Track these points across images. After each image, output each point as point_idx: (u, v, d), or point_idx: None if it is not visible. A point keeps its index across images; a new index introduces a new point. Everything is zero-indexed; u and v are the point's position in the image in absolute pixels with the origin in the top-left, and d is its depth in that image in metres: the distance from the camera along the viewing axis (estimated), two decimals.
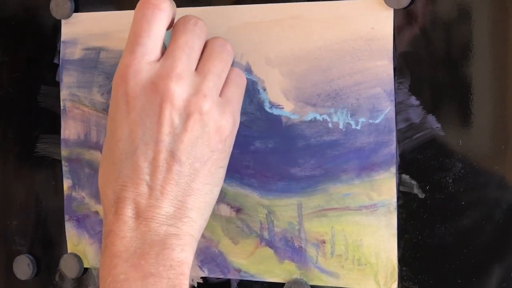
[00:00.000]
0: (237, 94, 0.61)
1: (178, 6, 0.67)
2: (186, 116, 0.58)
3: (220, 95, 0.60)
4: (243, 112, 0.65)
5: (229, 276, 0.67)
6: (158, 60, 0.59)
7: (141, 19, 0.59)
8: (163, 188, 0.57)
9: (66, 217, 0.72)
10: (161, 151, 0.57)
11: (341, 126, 0.63)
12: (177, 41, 0.59)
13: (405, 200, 0.61)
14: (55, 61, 0.71)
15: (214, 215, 0.67)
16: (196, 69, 0.60)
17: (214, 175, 0.59)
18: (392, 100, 0.61)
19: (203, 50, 0.61)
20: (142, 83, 0.58)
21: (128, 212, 0.57)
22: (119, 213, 0.57)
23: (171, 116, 0.57)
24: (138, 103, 0.58)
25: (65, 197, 0.72)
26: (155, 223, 0.57)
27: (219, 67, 0.60)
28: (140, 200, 0.57)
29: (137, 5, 0.60)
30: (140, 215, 0.57)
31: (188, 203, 0.58)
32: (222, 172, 0.60)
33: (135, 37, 0.59)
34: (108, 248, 0.57)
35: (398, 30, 0.61)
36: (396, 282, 0.62)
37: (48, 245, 0.73)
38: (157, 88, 0.57)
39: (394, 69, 0.61)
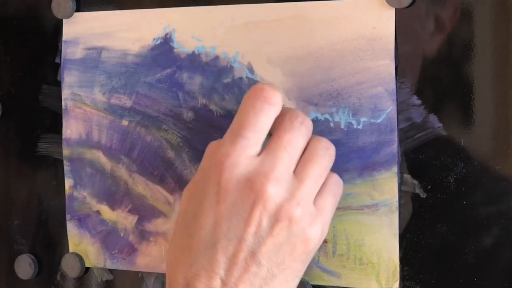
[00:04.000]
0: (331, 204, 0.59)
1: (179, 6, 0.67)
2: (275, 220, 0.56)
3: (314, 202, 0.58)
4: None
5: None
6: (258, 154, 0.57)
7: (249, 109, 0.57)
8: (236, 286, 0.55)
9: (68, 216, 0.72)
10: (242, 250, 0.55)
11: (342, 126, 0.63)
12: (281, 139, 0.57)
13: (406, 200, 0.61)
14: (57, 60, 0.71)
15: None
16: (295, 170, 0.57)
17: (289, 283, 0.57)
18: (393, 100, 0.61)
19: (305, 149, 0.58)
20: (237, 178, 0.56)
21: None
22: None
23: (260, 218, 0.56)
24: (229, 197, 0.56)
25: (66, 197, 0.72)
26: None
27: (317, 173, 0.58)
28: None
29: (248, 93, 0.58)
30: None
31: None
32: (297, 281, 0.58)
33: (239, 127, 0.57)
34: None
35: (399, 30, 0.61)
36: (398, 282, 0.62)
37: (49, 245, 0.73)
38: (252, 187, 0.56)
39: (396, 68, 0.61)
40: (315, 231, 0.57)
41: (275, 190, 0.56)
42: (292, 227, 0.56)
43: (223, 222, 0.56)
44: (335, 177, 0.60)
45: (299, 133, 0.58)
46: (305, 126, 0.58)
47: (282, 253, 0.56)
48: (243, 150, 0.57)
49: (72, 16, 0.70)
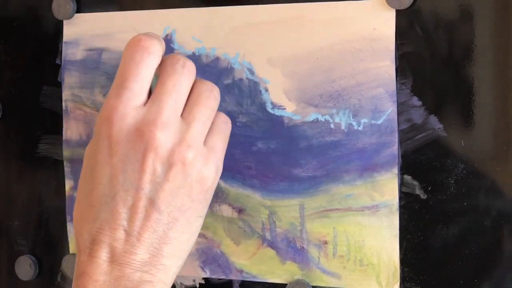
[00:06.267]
0: (221, 142, 0.60)
1: (181, 6, 0.67)
2: (169, 165, 0.57)
3: (205, 142, 0.59)
4: (246, 113, 0.65)
5: (231, 277, 0.67)
6: (145, 104, 0.58)
7: (129, 61, 0.58)
8: (140, 234, 0.56)
9: (68, 217, 0.72)
10: (141, 198, 0.57)
11: (343, 127, 0.63)
12: (164, 85, 0.58)
13: (407, 201, 0.61)
14: (57, 61, 0.71)
15: (216, 215, 0.67)
16: (182, 113, 0.59)
17: (192, 224, 0.59)
18: (394, 101, 0.61)
19: (190, 92, 0.60)
20: (126, 129, 0.57)
21: (103, 255, 0.56)
22: (93, 255, 0.56)
23: (153, 165, 0.57)
24: (121, 149, 0.57)
25: (67, 198, 0.72)
26: (130, 268, 0.56)
27: (204, 114, 0.59)
28: (116, 244, 0.56)
29: (126, 45, 0.59)
30: (114, 260, 0.56)
31: (164, 251, 0.57)
32: (200, 221, 0.60)
33: (122, 80, 0.58)
34: None
35: (400, 31, 0.61)
36: (398, 283, 0.62)
37: (50, 246, 0.73)
38: (141, 136, 0.57)
39: (396, 69, 0.61)
40: (209, 170, 0.58)
41: (164, 136, 0.57)
42: (186, 169, 0.57)
43: (118, 174, 0.57)
44: (222, 116, 0.62)
45: (181, 76, 0.59)
46: (187, 69, 0.59)
47: (180, 197, 0.57)
48: (129, 101, 0.58)
49: (73, 17, 0.70)
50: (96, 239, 0.57)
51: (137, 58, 0.58)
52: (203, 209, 0.59)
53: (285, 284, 0.65)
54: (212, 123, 0.60)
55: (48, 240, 0.73)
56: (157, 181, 0.57)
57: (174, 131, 0.57)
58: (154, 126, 0.57)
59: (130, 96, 0.58)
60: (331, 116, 0.63)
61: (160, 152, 0.57)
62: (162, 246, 0.57)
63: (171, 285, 0.58)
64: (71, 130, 0.71)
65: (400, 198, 0.61)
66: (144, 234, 0.56)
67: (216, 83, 0.66)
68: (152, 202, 0.57)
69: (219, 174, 0.60)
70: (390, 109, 0.61)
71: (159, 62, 0.59)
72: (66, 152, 0.71)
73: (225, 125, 0.61)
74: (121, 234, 0.56)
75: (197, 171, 0.58)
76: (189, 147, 0.57)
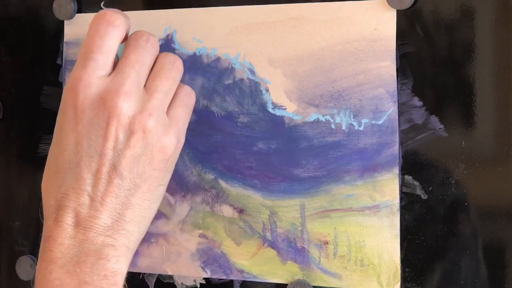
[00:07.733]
0: (183, 113, 0.62)
1: (181, 6, 0.67)
2: (130, 133, 0.59)
3: (167, 113, 0.61)
4: (246, 113, 0.65)
5: (232, 277, 0.67)
6: (109, 74, 0.60)
7: (94, 34, 0.60)
8: (103, 199, 0.58)
9: None
10: (104, 164, 0.58)
11: (344, 127, 0.63)
12: (128, 57, 0.61)
13: (408, 201, 0.61)
14: (58, 61, 0.71)
15: (217, 216, 0.67)
16: (145, 85, 0.61)
17: (153, 192, 0.60)
18: (395, 101, 0.61)
19: (153, 65, 0.62)
20: (91, 97, 0.59)
21: (68, 220, 0.58)
22: (59, 220, 0.58)
23: (116, 132, 0.58)
24: (85, 117, 0.59)
25: None
26: (93, 233, 0.58)
27: (166, 85, 0.61)
28: (81, 209, 0.58)
29: (92, 19, 0.61)
30: (79, 224, 0.58)
31: (126, 216, 0.59)
32: (162, 190, 0.61)
33: (87, 51, 0.60)
34: (45, 254, 0.58)
35: (401, 31, 0.61)
36: (399, 283, 0.62)
37: None
38: (104, 104, 0.59)
39: (397, 70, 0.61)
40: (170, 139, 0.60)
41: (126, 105, 0.59)
42: (146, 137, 0.59)
43: (83, 140, 0.59)
44: (186, 89, 0.63)
45: (144, 50, 0.61)
46: (150, 44, 0.62)
47: (142, 164, 0.59)
48: (93, 71, 0.60)
49: (74, 18, 0.70)
50: (61, 205, 0.58)
51: (102, 31, 0.60)
52: (164, 177, 0.61)
53: (286, 284, 0.65)
54: (176, 95, 0.62)
55: None
56: (119, 147, 0.59)
57: (136, 100, 0.59)
58: (117, 95, 0.59)
59: (95, 66, 0.60)
60: (332, 116, 0.63)
61: (122, 120, 0.58)
62: (124, 212, 0.59)
63: (134, 250, 0.60)
64: None
65: (401, 199, 0.61)
66: (107, 199, 0.58)
67: (217, 83, 0.66)
68: (114, 168, 0.58)
69: (181, 145, 0.62)
70: (391, 109, 0.61)
71: (123, 36, 0.61)
72: None
73: (188, 97, 0.63)
74: (85, 199, 0.58)
75: (157, 140, 0.59)
76: (150, 115, 0.59)
